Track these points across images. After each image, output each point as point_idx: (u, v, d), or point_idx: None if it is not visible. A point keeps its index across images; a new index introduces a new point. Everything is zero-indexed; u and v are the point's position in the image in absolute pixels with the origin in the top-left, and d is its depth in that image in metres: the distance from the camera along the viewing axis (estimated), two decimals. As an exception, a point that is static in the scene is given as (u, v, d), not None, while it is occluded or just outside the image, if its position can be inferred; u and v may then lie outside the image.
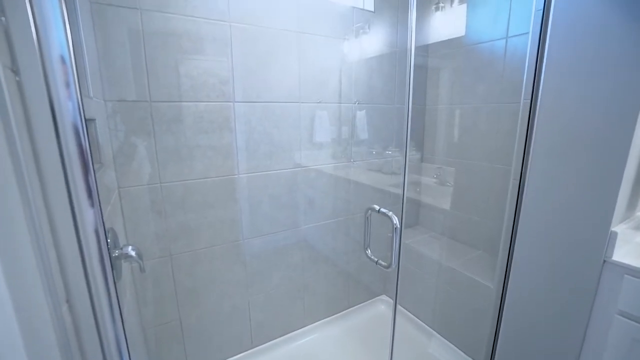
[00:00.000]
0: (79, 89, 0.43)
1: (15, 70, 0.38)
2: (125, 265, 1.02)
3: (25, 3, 0.37)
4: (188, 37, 1.22)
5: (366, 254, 1.39)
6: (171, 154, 1.27)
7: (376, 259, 1.32)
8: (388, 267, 1.20)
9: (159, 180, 1.26)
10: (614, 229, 0.87)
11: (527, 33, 1.06)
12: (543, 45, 0.95)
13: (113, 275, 0.51)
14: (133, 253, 0.81)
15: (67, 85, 0.42)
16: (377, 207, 1.27)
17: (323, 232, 1.76)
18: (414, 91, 1.05)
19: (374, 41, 1.65)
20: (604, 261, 0.89)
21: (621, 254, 0.89)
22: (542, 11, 0.95)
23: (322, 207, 1.71)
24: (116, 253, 0.80)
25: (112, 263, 0.51)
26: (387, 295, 2.10)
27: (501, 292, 1.15)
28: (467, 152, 1.68)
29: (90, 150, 0.46)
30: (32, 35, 0.38)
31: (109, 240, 0.52)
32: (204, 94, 1.28)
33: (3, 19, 0.36)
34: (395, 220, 1.15)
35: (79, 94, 0.43)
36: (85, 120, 0.45)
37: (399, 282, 1.28)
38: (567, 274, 0.97)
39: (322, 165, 1.66)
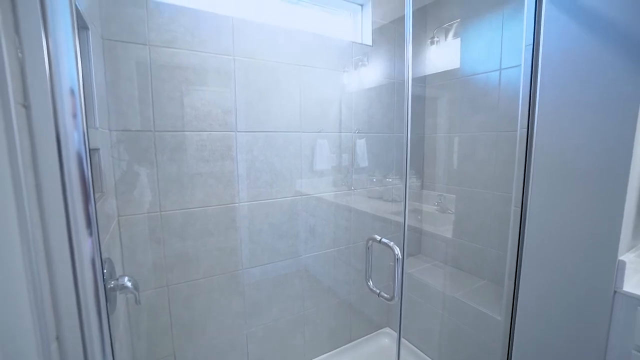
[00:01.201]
0: (86, 120, 0.44)
1: (26, 105, 0.40)
2: (120, 297, 0.99)
3: (42, 40, 0.39)
4: (193, 70, 1.26)
5: (368, 285, 1.36)
6: (172, 183, 1.27)
7: (378, 291, 1.28)
8: (391, 299, 1.16)
9: (159, 208, 1.25)
10: (621, 257, 0.85)
11: (519, 65, 1.11)
12: (535, 76, 0.98)
13: (107, 309, 0.49)
14: (129, 284, 0.78)
15: (74, 116, 0.43)
16: (378, 237, 1.25)
17: (324, 262, 1.72)
18: (413, 120, 1.07)
19: (372, 73, 1.71)
20: (615, 292, 0.86)
21: (632, 285, 0.86)
22: (532, 46, 0.99)
23: (322, 235, 1.69)
24: (111, 284, 0.78)
25: (106, 295, 0.49)
26: (390, 328, 2.01)
27: (510, 325, 1.11)
28: (467, 179, 1.68)
29: (92, 180, 0.46)
30: (45, 70, 0.39)
31: (105, 271, 0.51)
32: (207, 124, 1.31)
33: (20, 54, 0.38)
34: (397, 250, 1.13)
35: (85, 124, 0.44)
36: (90, 150, 0.45)
37: (402, 314, 1.24)
38: (577, 306, 0.93)
39: (323, 193, 1.66)
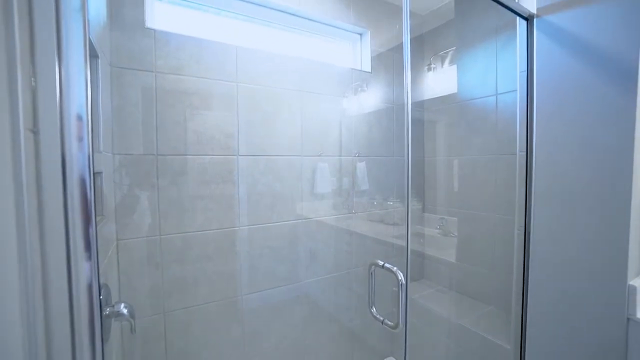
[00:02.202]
0: (92, 145, 0.45)
1: (35, 131, 0.40)
2: (114, 324, 0.96)
3: (55, 69, 0.40)
4: (198, 96, 1.30)
5: (371, 312, 1.31)
6: (173, 206, 1.27)
7: (382, 318, 1.24)
8: (395, 327, 1.12)
9: (159, 232, 1.24)
10: (631, 282, 0.83)
11: (515, 90, 1.14)
12: (531, 101, 1.01)
13: (102, 338, 0.47)
14: (125, 311, 0.76)
15: (80, 140, 0.44)
16: (380, 262, 1.23)
17: (325, 287, 1.68)
18: (412, 143, 1.09)
19: (371, 98, 1.76)
20: (628, 319, 0.84)
21: (644, 311, 0.83)
22: (526, 72, 1.03)
23: (323, 260, 1.66)
24: (107, 311, 0.76)
25: (102, 323, 0.48)
26: (394, 358, 1.92)
27: (519, 354, 1.06)
28: (468, 202, 1.68)
29: (95, 204, 0.46)
30: (56, 97, 0.41)
31: (101, 297, 0.50)
32: (209, 148, 1.33)
33: (33, 82, 0.39)
34: (401, 276, 1.11)
35: (91, 149, 0.45)
36: (94, 174, 0.46)
37: (407, 343, 1.19)
38: (590, 334, 0.90)
39: (324, 217, 1.65)
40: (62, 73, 0.41)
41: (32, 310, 0.40)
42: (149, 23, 1.23)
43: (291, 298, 1.58)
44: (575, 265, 0.92)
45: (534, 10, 0.97)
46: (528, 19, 0.99)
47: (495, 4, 0.86)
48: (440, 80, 1.74)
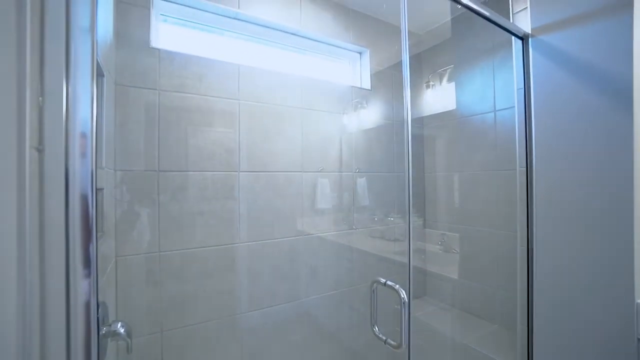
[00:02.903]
0: (95, 161, 0.45)
1: (40, 149, 0.41)
2: (111, 344, 0.93)
3: (62, 88, 0.41)
4: (200, 113, 1.32)
5: (373, 331, 1.28)
6: (173, 222, 1.26)
7: (384, 338, 1.21)
8: (398, 347, 1.09)
9: (158, 248, 1.23)
10: (639, 301, 0.82)
11: (513, 107, 1.15)
12: (529, 117, 1.02)
13: (97, 357, 0.46)
14: (122, 330, 0.74)
15: (84, 156, 0.44)
16: (382, 280, 1.21)
17: (326, 305, 1.64)
18: (412, 159, 1.09)
19: (371, 114, 1.78)
20: (638, 340, 0.81)
21: (653, 330, 0.81)
22: (522, 89, 1.04)
23: (324, 277, 1.63)
24: (104, 330, 0.74)
25: (98, 342, 0.47)
26: (398, 380, 1.86)
27: (527, 375, 1.02)
28: (469, 217, 1.67)
29: (96, 221, 0.46)
30: (62, 115, 0.41)
31: (98, 316, 0.49)
32: (210, 164, 1.34)
33: (41, 100, 0.40)
34: (403, 294, 1.09)
35: (94, 166, 0.45)
36: (96, 191, 0.46)
37: (411, 364, 1.15)
38: (599, 356, 0.87)
39: (324, 232, 1.64)
40: (70, 91, 0.42)
41: (28, 327, 0.40)
42: (154, 43, 1.27)
43: (292, 316, 1.54)
44: (581, 283, 0.90)
45: (528, 30, 1.00)
46: (523, 38, 1.02)
47: (491, 24, 0.88)
48: (439, 97, 1.77)
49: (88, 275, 0.45)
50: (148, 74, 1.23)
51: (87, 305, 0.45)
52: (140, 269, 1.20)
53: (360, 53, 1.85)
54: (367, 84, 1.80)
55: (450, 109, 1.71)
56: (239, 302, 1.38)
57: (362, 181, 1.75)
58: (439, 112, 1.79)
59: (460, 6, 0.88)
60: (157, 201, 1.23)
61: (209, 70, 1.34)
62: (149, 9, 1.25)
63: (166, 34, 1.38)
